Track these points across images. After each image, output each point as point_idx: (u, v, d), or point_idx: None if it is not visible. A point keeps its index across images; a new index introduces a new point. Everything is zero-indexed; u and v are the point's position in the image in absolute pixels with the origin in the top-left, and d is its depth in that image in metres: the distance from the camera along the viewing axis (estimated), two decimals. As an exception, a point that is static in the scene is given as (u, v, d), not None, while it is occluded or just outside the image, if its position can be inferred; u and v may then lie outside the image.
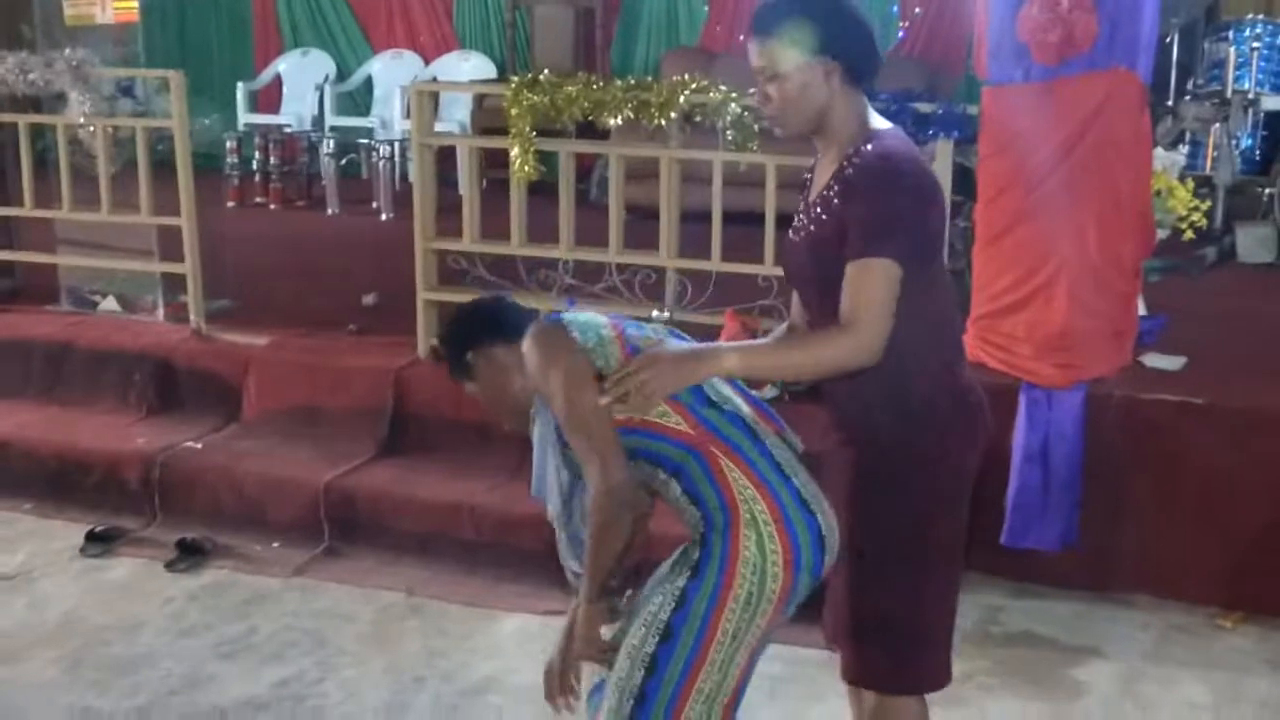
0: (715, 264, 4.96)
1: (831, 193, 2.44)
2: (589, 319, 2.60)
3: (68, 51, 6.15)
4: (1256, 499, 4.18)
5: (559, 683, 2.72)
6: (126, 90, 6.16)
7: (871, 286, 2.30)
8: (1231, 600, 4.22)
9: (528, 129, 5.08)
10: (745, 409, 2.58)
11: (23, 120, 6.05)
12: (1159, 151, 4.72)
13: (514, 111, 5.11)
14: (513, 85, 5.18)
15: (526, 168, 5.08)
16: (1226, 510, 4.21)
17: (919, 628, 2.59)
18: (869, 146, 2.41)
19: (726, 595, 2.44)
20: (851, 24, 2.46)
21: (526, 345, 2.54)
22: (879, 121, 2.51)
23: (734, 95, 4.91)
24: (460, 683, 3.87)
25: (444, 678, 3.90)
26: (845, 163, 2.44)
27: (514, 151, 5.09)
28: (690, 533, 2.57)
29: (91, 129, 5.92)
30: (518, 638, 4.12)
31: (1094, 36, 3.85)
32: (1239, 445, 4.21)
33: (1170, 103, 6.69)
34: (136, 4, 7.29)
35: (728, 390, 2.59)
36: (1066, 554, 4.16)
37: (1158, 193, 4.58)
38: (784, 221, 4.55)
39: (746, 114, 4.85)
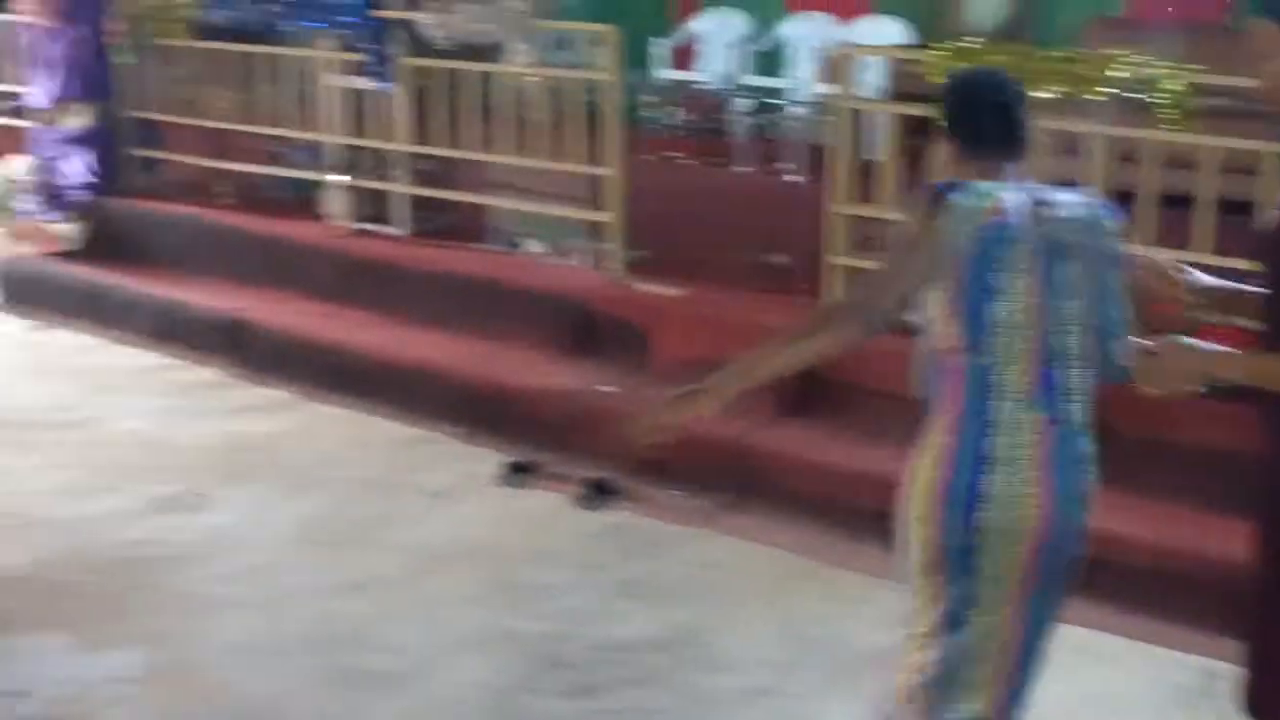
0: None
1: None
2: None
3: (509, 3, 6.57)
4: None
5: (648, 425, 2.95)
6: (558, 43, 6.50)
7: None
8: None
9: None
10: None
11: (473, 68, 6.39)
12: None
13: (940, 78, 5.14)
14: (938, 51, 5.21)
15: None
16: None
17: None
18: None
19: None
20: None
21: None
22: None
23: (1173, 70, 4.79)
24: (852, 650, 3.88)
25: (836, 642, 3.94)
26: None
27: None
28: None
29: (529, 79, 6.28)
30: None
31: None
32: None
33: None
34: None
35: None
36: None
37: None
38: (1229, 207, 4.47)
39: (1185, 91, 4.73)
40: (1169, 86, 4.72)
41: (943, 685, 2.68)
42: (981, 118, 2.71)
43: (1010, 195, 2.56)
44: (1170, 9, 8.44)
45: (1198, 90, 4.72)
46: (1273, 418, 2.67)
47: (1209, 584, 3.45)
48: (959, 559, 2.57)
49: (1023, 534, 2.52)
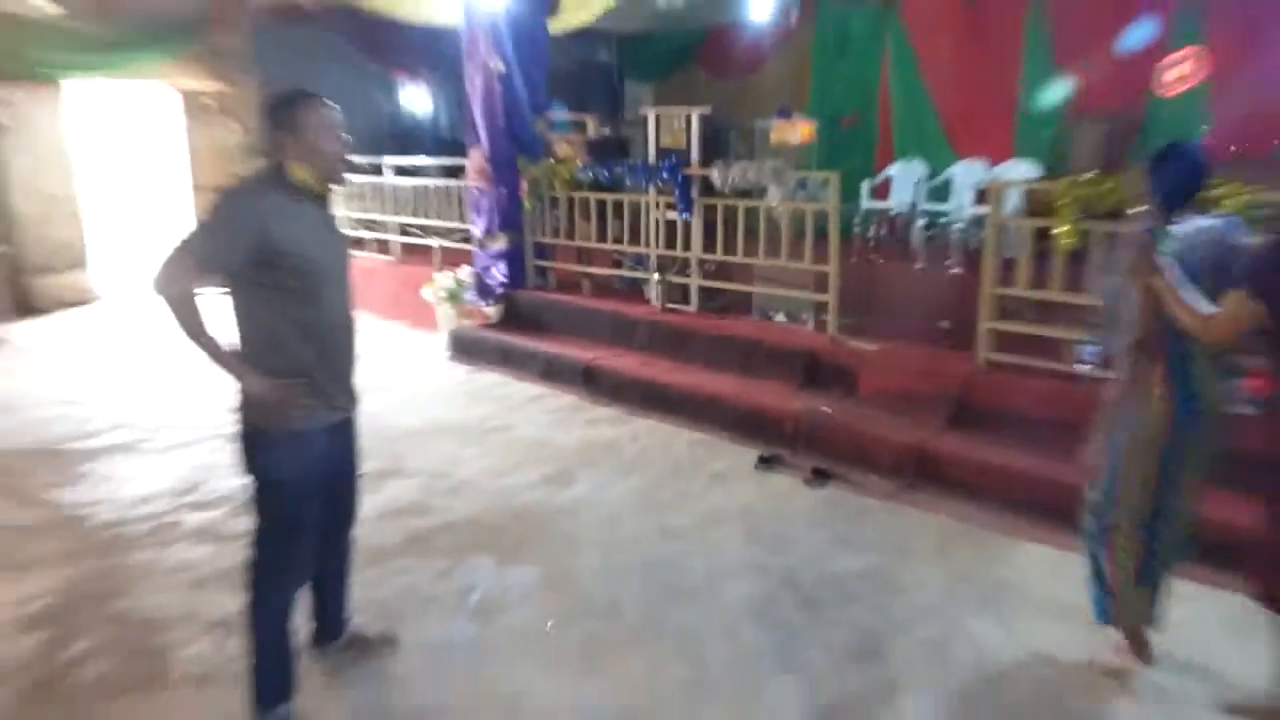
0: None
1: None
2: None
3: (769, 162, 6.64)
4: None
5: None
6: (801, 184, 6.56)
7: None
8: None
9: (1074, 212, 4.92)
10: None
11: (743, 204, 6.51)
12: None
13: (1062, 200, 4.97)
14: (1064, 182, 5.04)
15: (1070, 240, 4.91)
16: None
17: None
18: None
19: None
20: None
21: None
22: None
23: (1247, 191, 4.49)
24: (993, 583, 3.84)
25: (982, 580, 3.88)
26: None
27: (1063, 229, 4.93)
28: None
29: (779, 208, 6.38)
30: (1033, 557, 4.05)
31: None
32: None
33: None
34: (813, 133, 7.75)
35: None
36: None
37: None
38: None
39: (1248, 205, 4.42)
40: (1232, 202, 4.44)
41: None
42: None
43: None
44: (1232, 148, 7.86)
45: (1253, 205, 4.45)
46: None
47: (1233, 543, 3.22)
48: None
49: None
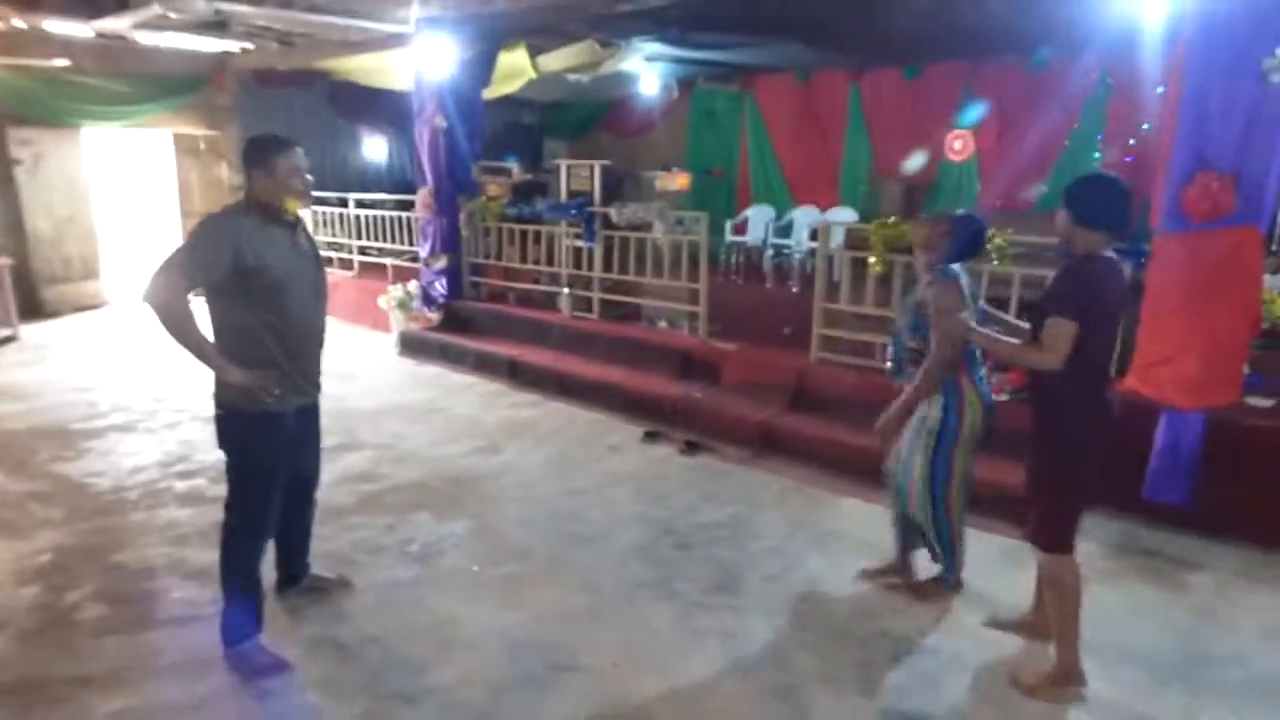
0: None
1: None
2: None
3: (654, 203, 6.65)
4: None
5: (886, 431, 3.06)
6: (679, 221, 6.54)
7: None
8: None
9: (883, 247, 5.03)
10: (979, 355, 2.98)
11: (635, 235, 6.43)
12: (1268, 277, 4.05)
13: (874, 238, 5.07)
14: (874, 224, 5.15)
15: (879, 267, 5.02)
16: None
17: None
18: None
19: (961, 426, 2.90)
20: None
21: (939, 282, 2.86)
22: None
23: (998, 233, 4.64)
24: (822, 529, 3.87)
25: (813, 525, 3.91)
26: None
27: (873, 259, 5.03)
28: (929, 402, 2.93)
29: (662, 239, 6.35)
30: (856, 511, 4.09)
31: (1233, 207, 3.40)
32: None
33: (1276, 247, 5.69)
34: (688, 182, 7.79)
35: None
36: (1186, 508, 3.68)
37: (1268, 301, 3.95)
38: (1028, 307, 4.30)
39: (1006, 244, 4.58)
40: (997, 242, 4.60)
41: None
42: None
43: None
44: (999, 203, 8.21)
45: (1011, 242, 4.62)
46: (1034, 400, 2.61)
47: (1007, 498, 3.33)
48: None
49: None
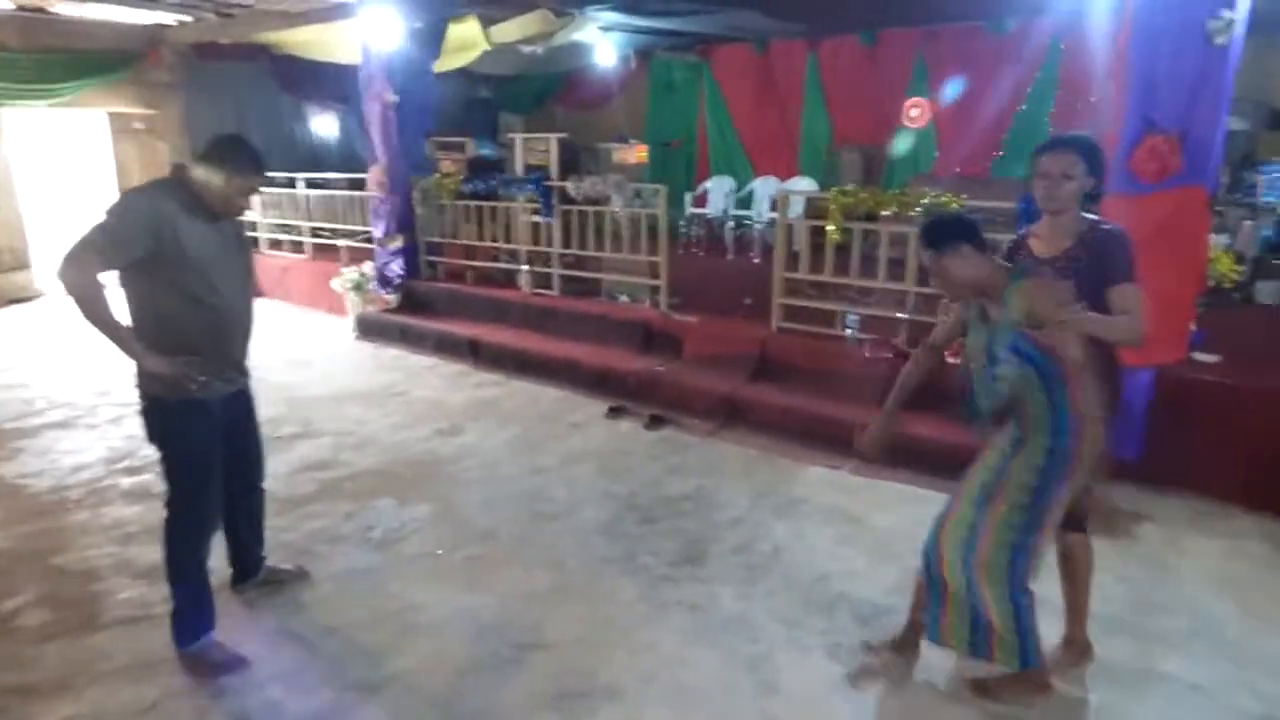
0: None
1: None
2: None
3: (612, 176, 6.55)
4: (1258, 434, 3.69)
5: (868, 442, 2.50)
6: (637, 194, 6.46)
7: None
8: (1244, 498, 3.70)
9: (840, 215, 5.03)
10: None
11: (593, 209, 6.36)
12: (1213, 236, 4.14)
13: (833, 206, 5.07)
14: (833, 192, 5.14)
15: (836, 236, 5.02)
16: (1240, 440, 3.73)
17: None
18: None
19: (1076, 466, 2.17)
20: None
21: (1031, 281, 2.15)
22: None
23: (944, 199, 4.68)
24: (786, 497, 3.88)
25: (778, 494, 3.91)
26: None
27: (831, 227, 5.04)
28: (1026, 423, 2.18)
29: (621, 213, 6.29)
30: (819, 478, 4.11)
31: (1180, 167, 3.43)
32: (1249, 404, 3.74)
33: (1220, 208, 5.90)
34: (646, 154, 7.69)
35: None
36: (1136, 462, 3.76)
37: (1212, 259, 4.03)
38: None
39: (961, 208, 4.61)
40: (952, 207, 4.62)
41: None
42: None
43: None
44: (958, 169, 8.25)
45: (966, 208, 4.63)
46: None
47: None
48: None
49: None
